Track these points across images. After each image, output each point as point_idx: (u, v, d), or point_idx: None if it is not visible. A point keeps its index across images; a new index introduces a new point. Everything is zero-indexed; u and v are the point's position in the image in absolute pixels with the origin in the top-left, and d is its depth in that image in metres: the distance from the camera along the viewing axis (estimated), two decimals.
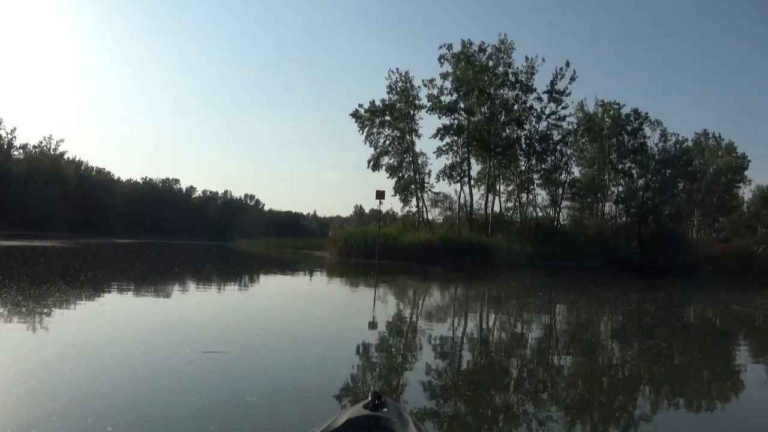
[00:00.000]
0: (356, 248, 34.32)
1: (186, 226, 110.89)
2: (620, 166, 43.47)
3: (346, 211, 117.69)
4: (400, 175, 40.29)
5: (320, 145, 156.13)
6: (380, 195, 31.30)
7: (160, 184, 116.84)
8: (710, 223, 50.95)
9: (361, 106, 40.25)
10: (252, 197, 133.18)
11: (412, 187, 40.16)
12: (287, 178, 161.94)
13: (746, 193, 51.98)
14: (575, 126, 42.03)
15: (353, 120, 40.33)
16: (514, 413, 4.62)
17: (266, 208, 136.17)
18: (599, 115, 42.71)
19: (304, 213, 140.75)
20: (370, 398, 2.92)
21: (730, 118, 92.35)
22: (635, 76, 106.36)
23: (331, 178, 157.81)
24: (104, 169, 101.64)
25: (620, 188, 45.19)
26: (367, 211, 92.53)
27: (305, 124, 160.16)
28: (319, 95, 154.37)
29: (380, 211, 34.25)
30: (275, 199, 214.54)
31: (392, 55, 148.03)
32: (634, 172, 43.83)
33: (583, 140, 43.35)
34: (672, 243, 41.20)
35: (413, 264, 30.36)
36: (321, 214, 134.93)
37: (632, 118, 41.70)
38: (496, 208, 41.44)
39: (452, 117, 38.58)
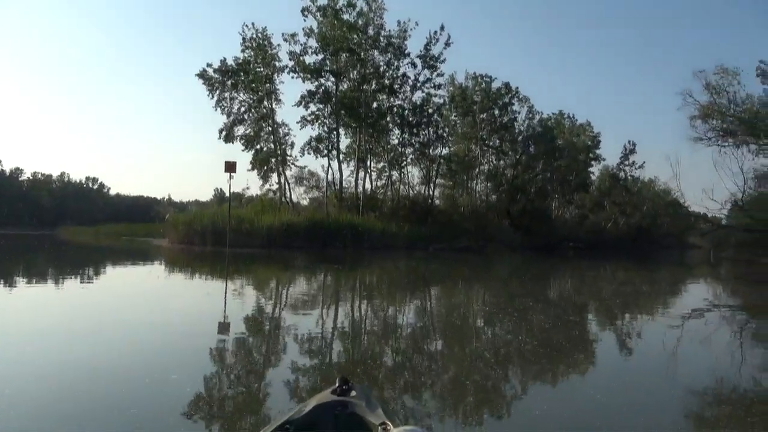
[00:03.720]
0: (202, 234, 28.39)
1: (11, 214, 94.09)
2: (490, 143, 42.62)
3: (206, 195, 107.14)
4: (258, 147, 34.67)
5: (176, 122, 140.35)
6: (230, 167, 25.60)
7: None
8: (568, 200, 52.82)
9: (209, 65, 33.86)
10: (95, 180, 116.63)
11: (273, 161, 34.78)
12: (139, 158, 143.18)
13: (595, 172, 54.71)
14: (447, 100, 39.96)
15: (201, 82, 33.92)
16: None
17: (112, 192, 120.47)
18: (470, 89, 41.11)
19: (159, 197, 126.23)
20: (338, 383, 2.76)
21: (583, 97, 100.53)
22: (505, 52, 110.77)
23: (188, 159, 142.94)
24: None
25: (490, 165, 44.66)
26: (227, 194, 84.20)
27: (160, 98, 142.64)
28: (177, 64, 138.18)
29: (230, 186, 28.55)
30: (124, 183, 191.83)
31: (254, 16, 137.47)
32: (503, 148, 43.30)
33: (454, 115, 41.60)
34: (539, 220, 41.95)
35: (273, 251, 25.49)
36: (177, 198, 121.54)
37: (503, 92, 40.71)
38: (367, 186, 37.84)
39: (318, 82, 33.84)
